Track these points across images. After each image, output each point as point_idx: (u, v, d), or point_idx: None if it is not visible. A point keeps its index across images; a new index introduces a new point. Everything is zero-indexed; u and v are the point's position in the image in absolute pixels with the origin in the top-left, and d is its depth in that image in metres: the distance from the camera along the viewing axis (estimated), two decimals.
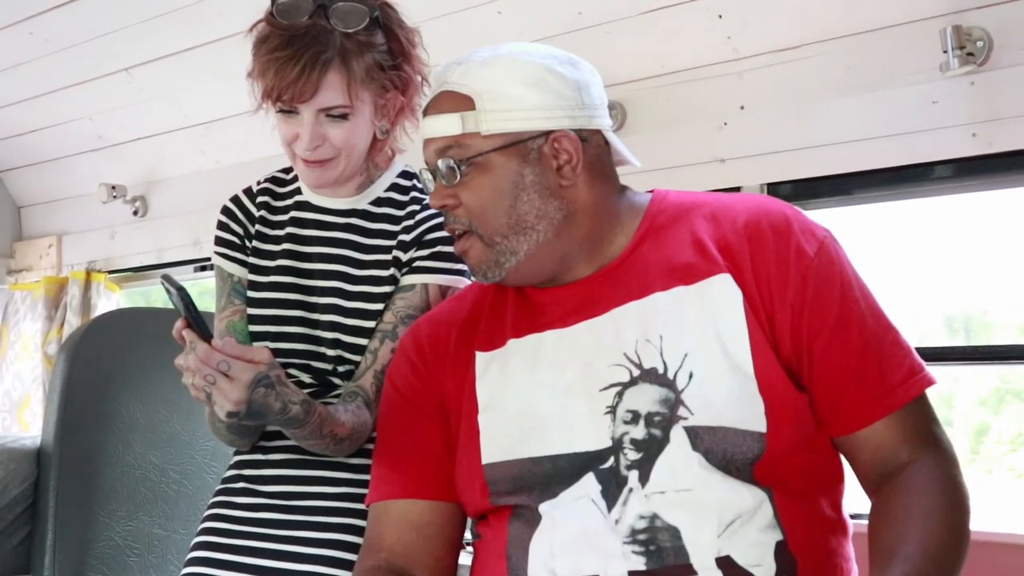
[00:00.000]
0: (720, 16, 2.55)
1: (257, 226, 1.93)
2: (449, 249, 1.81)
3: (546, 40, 2.71)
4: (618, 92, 2.73)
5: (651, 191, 1.62)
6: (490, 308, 1.62)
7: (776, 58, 2.52)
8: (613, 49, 2.74)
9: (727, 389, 1.40)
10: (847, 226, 2.65)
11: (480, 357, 1.57)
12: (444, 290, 1.83)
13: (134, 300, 4.33)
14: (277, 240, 1.92)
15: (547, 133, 1.50)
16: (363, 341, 1.83)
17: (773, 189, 2.56)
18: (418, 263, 1.84)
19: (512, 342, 1.55)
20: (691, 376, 1.42)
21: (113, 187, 3.94)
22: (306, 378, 1.86)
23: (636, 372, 1.44)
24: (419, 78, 1.86)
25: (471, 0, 2.83)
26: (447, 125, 1.52)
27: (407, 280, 1.84)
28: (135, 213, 3.99)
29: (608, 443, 1.43)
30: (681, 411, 1.41)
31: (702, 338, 1.43)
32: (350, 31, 1.75)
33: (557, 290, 1.55)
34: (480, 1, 2.82)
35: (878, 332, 1.44)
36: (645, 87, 2.72)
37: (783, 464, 1.40)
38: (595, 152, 1.54)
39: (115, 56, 3.57)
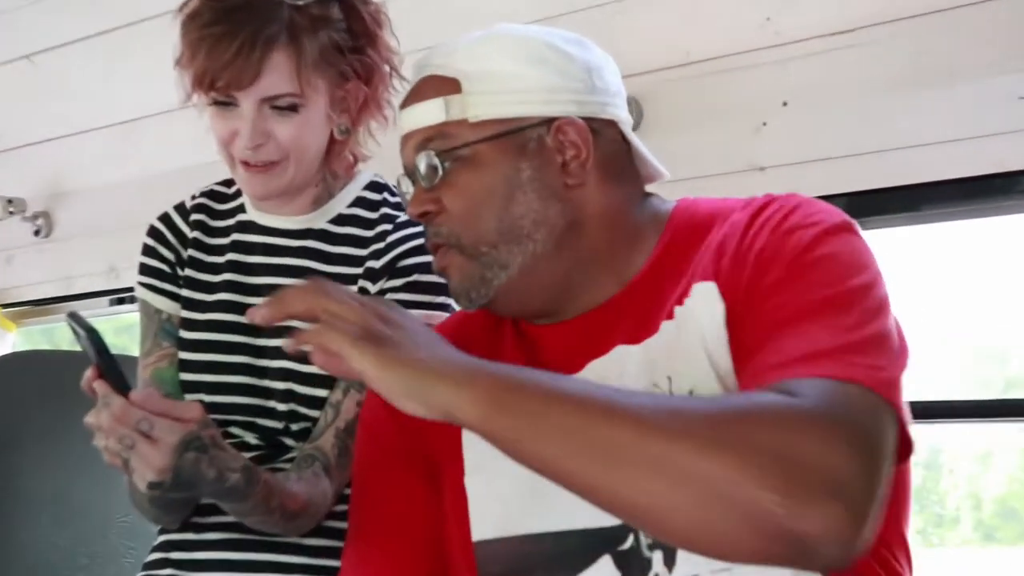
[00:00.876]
0: None
1: (190, 251, 1.93)
2: (430, 278, 1.81)
3: (547, 21, 2.71)
4: (633, 86, 2.68)
5: (679, 200, 1.61)
6: (480, 344, 1.60)
7: (827, 43, 2.52)
8: (627, 34, 2.74)
9: None
10: (915, 248, 2.65)
11: None
12: None
13: (35, 341, 4.31)
14: (215, 269, 1.91)
15: (549, 121, 1.50)
16: (322, 392, 1.82)
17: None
18: (390, 295, 1.84)
19: None
20: None
21: (9, 201, 3.93)
22: (251, 438, 1.85)
23: None
24: (386, 67, 1.86)
25: None
26: (427, 113, 1.52)
27: None
28: (36, 233, 3.97)
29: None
30: None
31: (699, 367, 1.41)
32: (300, 3, 1.75)
33: (560, 324, 1.54)
34: None
35: (835, 319, 1.33)
36: (666, 80, 2.72)
37: None
38: (610, 148, 1.54)
39: (13, 41, 3.57)
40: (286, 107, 1.77)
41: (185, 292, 1.92)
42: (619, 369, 1.46)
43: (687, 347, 1.42)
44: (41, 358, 2.94)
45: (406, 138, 1.55)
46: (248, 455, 1.75)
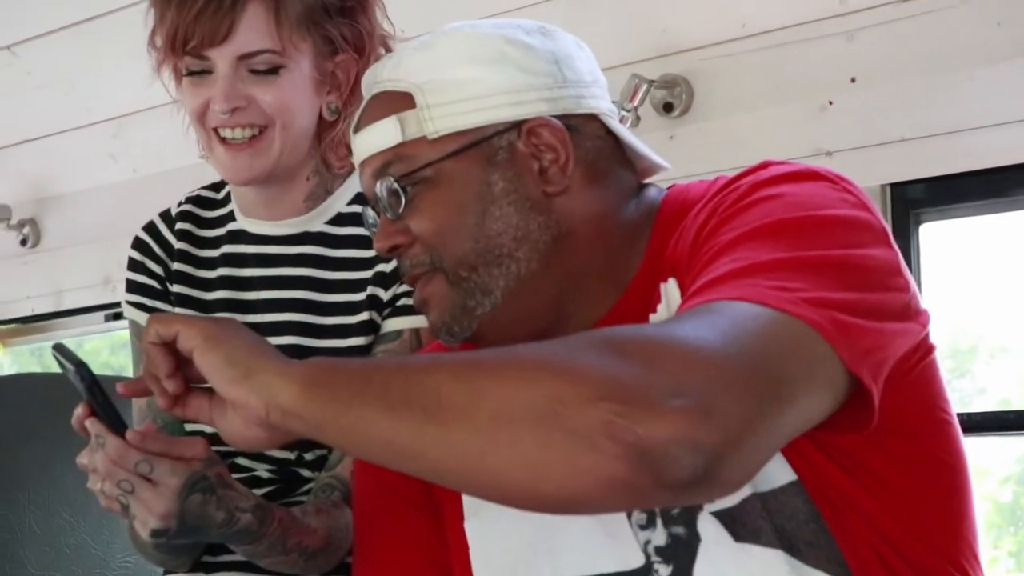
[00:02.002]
0: None
1: (177, 264, 1.92)
2: None
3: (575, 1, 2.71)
4: (681, 63, 2.72)
5: (671, 188, 1.57)
6: None
7: (899, 11, 2.51)
8: (672, 4, 2.74)
9: None
10: (1001, 237, 2.65)
11: None
12: None
13: (25, 363, 4.34)
14: (207, 285, 1.91)
15: (518, 124, 1.47)
16: None
17: (899, 190, 2.55)
18: (404, 300, 1.84)
19: None
20: None
21: None
22: (263, 471, 1.86)
23: None
24: (381, 48, 1.86)
25: None
26: (382, 135, 1.49)
27: (391, 325, 1.84)
28: (23, 243, 3.99)
29: (641, 560, 1.40)
30: None
31: None
32: None
33: None
34: None
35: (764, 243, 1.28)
36: (719, 56, 2.72)
37: None
38: (592, 145, 1.50)
39: None
40: (266, 70, 1.77)
41: (178, 311, 1.91)
42: None
43: None
44: (32, 382, 2.95)
45: (363, 165, 1.53)
46: (261, 491, 1.76)
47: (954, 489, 1.42)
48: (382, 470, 1.58)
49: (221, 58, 1.76)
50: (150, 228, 1.96)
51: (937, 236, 2.61)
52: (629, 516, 1.41)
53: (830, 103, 2.60)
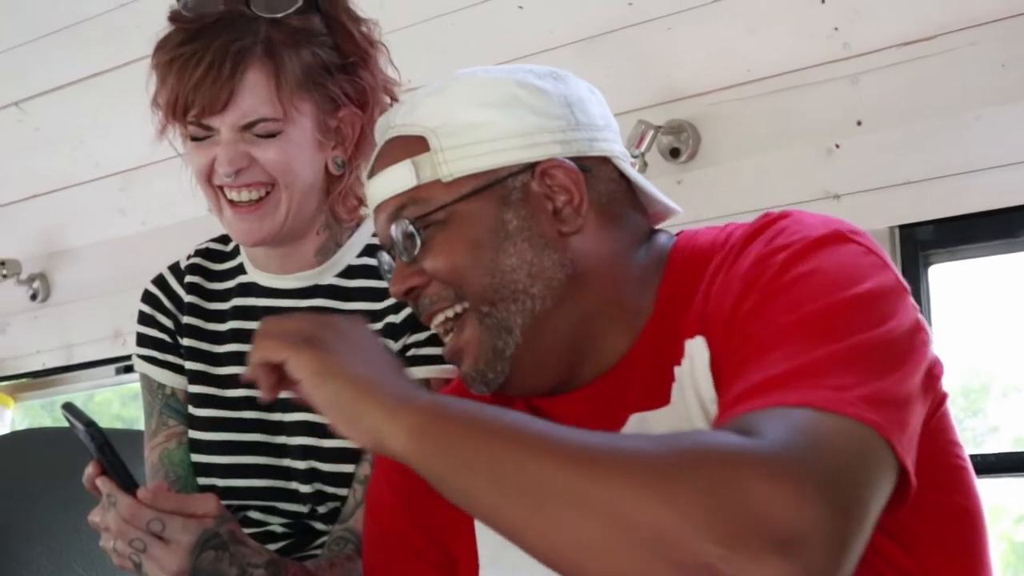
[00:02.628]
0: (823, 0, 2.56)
1: (187, 317, 1.92)
2: None
3: (578, 45, 2.72)
4: (687, 109, 2.73)
5: (680, 233, 1.58)
6: None
7: (903, 53, 2.52)
8: (679, 50, 2.74)
9: None
10: (1011, 277, 2.64)
11: None
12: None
13: (36, 418, 4.33)
14: (217, 338, 1.91)
15: (532, 166, 1.48)
16: (348, 468, 1.82)
17: (908, 232, 2.55)
18: (415, 351, 1.84)
19: None
20: None
21: (2, 263, 3.95)
22: (276, 525, 1.85)
23: None
24: (385, 97, 1.86)
25: None
26: (396, 179, 1.50)
27: None
28: (33, 297, 4.00)
29: None
30: None
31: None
32: (278, 15, 1.76)
33: (571, 394, 1.52)
34: None
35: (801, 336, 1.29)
36: (725, 100, 2.72)
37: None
38: (606, 188, 1.51)
39: (0, 86, 3.60)
40: (266, 134, 1.77)
41: (189, 364, 1.91)
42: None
43: (691, 411, 1.41)
44: (43, 437, 2.95)
45: (378, 210, 1.53)
46: (274, 546, 1.75)
47: (973, 532, 1.42)
48: (392, 522, 1.59)
49: (223, 124, 1.76)
50: (160, 281, 1.96)
51: (947, 277, 2.60)
52: None
53: (837, 146, 2.60)
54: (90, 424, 1.51)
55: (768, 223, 1.43)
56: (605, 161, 1.52)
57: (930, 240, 2.54)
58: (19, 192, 3.91)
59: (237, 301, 1.92)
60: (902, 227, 2.55)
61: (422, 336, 1.83)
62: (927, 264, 2.57)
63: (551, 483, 1.16)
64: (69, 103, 3.55)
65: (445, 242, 1.48)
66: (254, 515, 1.84)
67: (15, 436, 3.39)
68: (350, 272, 1.90)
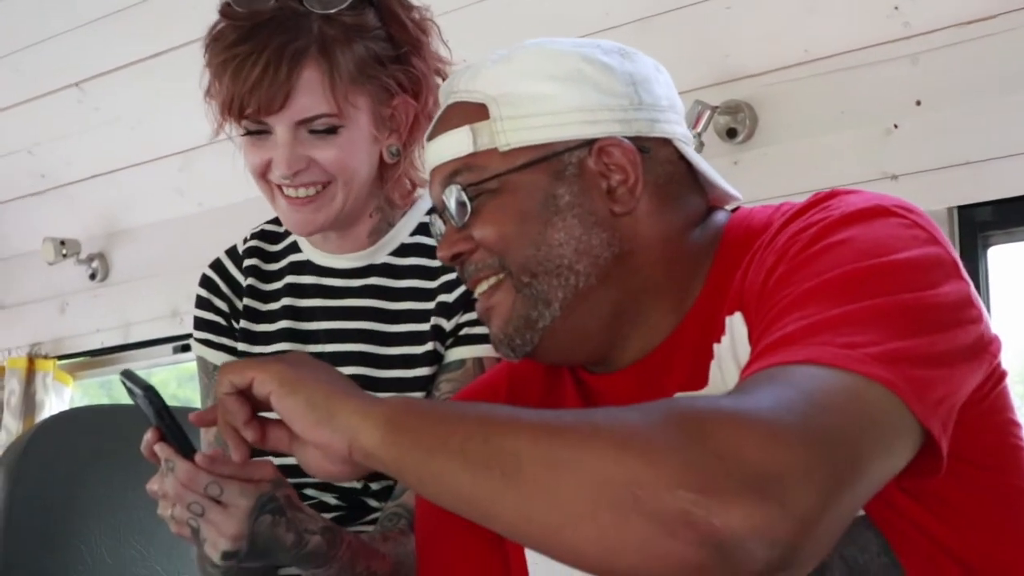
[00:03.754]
0: None
1: (246, 300, 1.93)
2: None
3: (634, 25, 2.71)
4: (744, 90, 2.72)
5: (736, 211, 1.56)
6: (537, 392, 1.59)
7: (963, 33, 2.51)
8: (735, 32, 2.73)
9: None
10: None
11: None
12: None
13: (94, 395, 4.36)
14: (272, 317, 1.92)
15: (590, 143, 1.47)
16: None
17: (967, 213, 2.53)
18: (467, 330, 1.85)
19: None
20: None
21: (62, 242, 3.99)
22: (330, 500, 1.85)
23: None
24: (438, 79, 1.86)
25: None
26: (454, 144, 1.50)
27: (454, 354, 1.85)
28: (92, 277, 4.03)
29: None
30: None
31: None
32: (331, 11, 1.75)
33: (617, 374, 1.51)
34: None
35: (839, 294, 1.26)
36: (781, 81, 2.72)
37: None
38: (663, 170, 1.50)
39: (60, 68, 3.63)
40: (324, 130, 1.76)
41: (242, 346, 1.93)
42: None
43: (729, 388, 1.35)
44: (102, 413, 2.96)
45: (434, 173, 1.53)
46: (327, 515, 1.76)
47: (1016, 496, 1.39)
48: None
49: (279, 123, 1.75)
50: (217, 265, 1.98)
51: (1006, 258, 2.59)
52: None
53: (895, 126, 2.59)
54: (148, 388, 1.50)
55: (815, 201, 1.40)
56: (666, 143, 1.51)
57: (989, 221, 2.53)
58: (78, 173, 3.94)
59: (290, 279, 1.93)
60: (960, 208, 2.54)
61: (475, 315, 1.83)
62: (986, 246, 2.56)
63: (523, 453, 1.15)
64: (128, 84, 3.57)
65: (495, 211, 1.47)
66: (309, 492, 1.85)
67: (74, 413, 3.40)
68: (403, 251, 1.90)
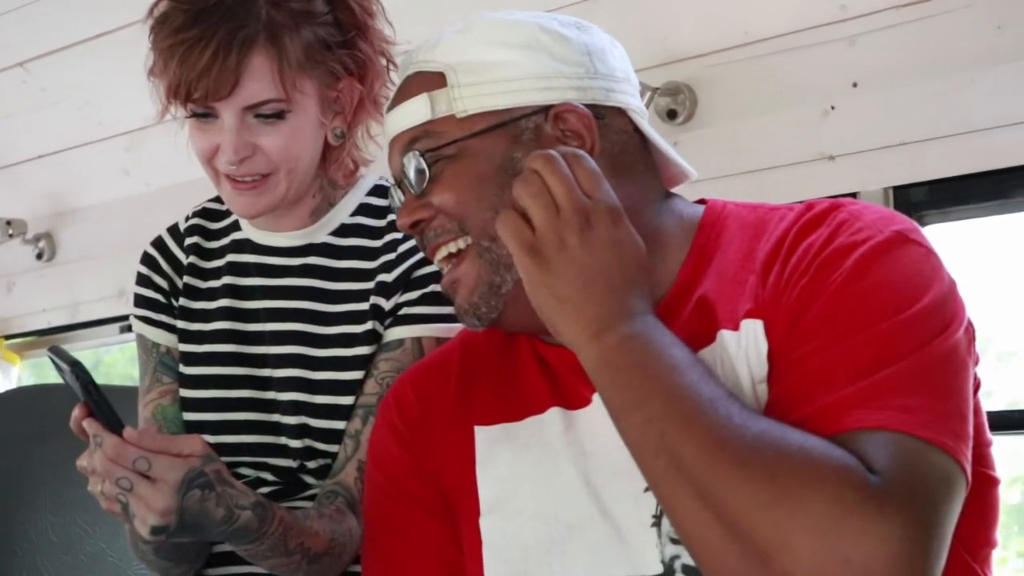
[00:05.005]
0: None
1: (186, 278, 1.93)
2: None
3: (575, 7, 2.71)
4: (684, 71, 2.72)
5: (701, 200, 1.59)
6: (496, 362, 1.60)
7: (899, 15, 2.51)
8: (674, 13, 2.74)
9: None
10: (1006, 238, 2.64)
11: (481, 434, 1.55)
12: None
13: (42, 374, 4.33)
14: (212, 295, 1.92)
15: (546, 108, 1.49)
16: (338, 424, 1.82)
17: (902, 194, 2.54)
18: (406, 310, 1.85)
19: (530, 419, 1.53)
20: None
21: (8, 222, 3.97)
22: (267, 477, 1.85)
23: None
24: (382, 60, 1.86)
25: None
26: (412, 112, 1.51)
27: (393, 333, 1.84)
28: (39, 256, 4.00)
29: (658, 568, 1.41)
30: None
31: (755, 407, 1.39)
32: None
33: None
34: None
35: (891, 354, 1.36)
36: (721, 63, 2.72)
37: None
38: (618, 139, 1.52)
39: (4, 47, 3.59)
40: (271, 115, 1.76)
41: (181, 324, 1.92)
42: None
43: (730, 380, 1.41)
44: (48, 393, 2.94)
45: (392, 143, 1.55)
46: (263, 491, 1.75)
47: (993, 499, 1.46)
48: (394, 473, 1.59)
49: (227, 110, 1.75)
50: (158, 243, 1.97)
51: (941, 239, 2.60)
52: (657, 525, 1.42)
53: (832, 108, 2.59)
54: (75, 364, 1.50)
55: (824, 213, 1.45)
56: (621, 113, 1.53)
57: (924, 201, 2.53)
58: (24, 152, 3.91)
59: (231, 257, 1.93)
60: (896, 188, 2.55)
61: (413, 295, 1.84)
62: (921, 226, 2.57)
63: (686, 461, 1.26)
64: (74, 63, 3.54)
65: (453, 176, 1.49)
66: (244, 471, 1.85)
67: (20, 392, 3.39)
68: (343, 231, 1.90)
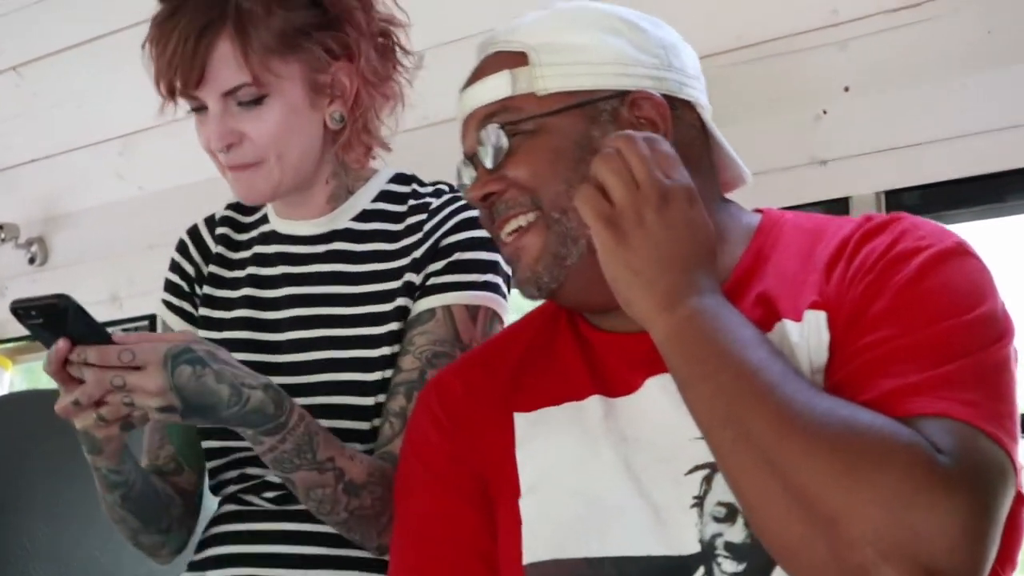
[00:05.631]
0: None
1: (212, 267, 1.95)
2: (474, 255, 1.83)
3: None
4: None
5: (758, 210, 1.63)
6: (538, 350, 1.62)
7: (891, 20, 2.51)
8: (667, 17, 2.71)
9: None
10: (998, 242, 2.63)
11: (520, 420, 1.56)
12: (475, 312, 1.82)
13: (34, 379, 4.33)
14: (235, 284, 1.94)
15: (624, 94, 1.53)
16: (345, 424, 1.81)
17: (894, 198, 2.54)
18: (433, 279, 1.85)
19: (568, 404, 1.54)
20: None
21: (0, 227, 3.96)
22: (273, 479, 1.84)
23: None
24: (380, 39, 1.86)
25: None
26: (492, 88, 1.55)
27: (423, 304, 1.84)
28: (31, 261, 4.00)
29: (696, 548, 1.42)
30: None
31: None
32: None
33: (626, 336, 1.53)
34: None
35: (948, 352, 1.40)
36: (714, 67, 2.69)
37: None
38: (688, 132, 1.56)
39: None
40: (250, 100, 1.78)
41: (203, 311, 1.94)
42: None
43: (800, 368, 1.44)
44: (41, 398, 2.94)
45: (468, 120, 1.58)
46: (271, 494, 1.79)
47: (1019, 519, 1.45)
48: (431, 459, 1.60)
49: (207, 97, 1.78)
50: (192, 231, 2.02)
51: None
52: (700, 505, 1.43)
53: (824, 112, 2.60)
54: (60, 296, 1.48)
55: (886, 223, 1.50)
56: (690, 108, 1.58)
57: (916, 205, 2.53)
58: (17, 157, 3.92)
59: (258, 249, 1.96)
60: (888, 192, 2.55)
61: (440, 264, 1.85)
62: None
63: (753, 433, 1.30)
64: (67, 68, 3.55)
65: (530, 151, 1.52)
66: (251, 471, 1.85)
67: (13, 397, 3.38)
68: (365, 216, 1.92)
